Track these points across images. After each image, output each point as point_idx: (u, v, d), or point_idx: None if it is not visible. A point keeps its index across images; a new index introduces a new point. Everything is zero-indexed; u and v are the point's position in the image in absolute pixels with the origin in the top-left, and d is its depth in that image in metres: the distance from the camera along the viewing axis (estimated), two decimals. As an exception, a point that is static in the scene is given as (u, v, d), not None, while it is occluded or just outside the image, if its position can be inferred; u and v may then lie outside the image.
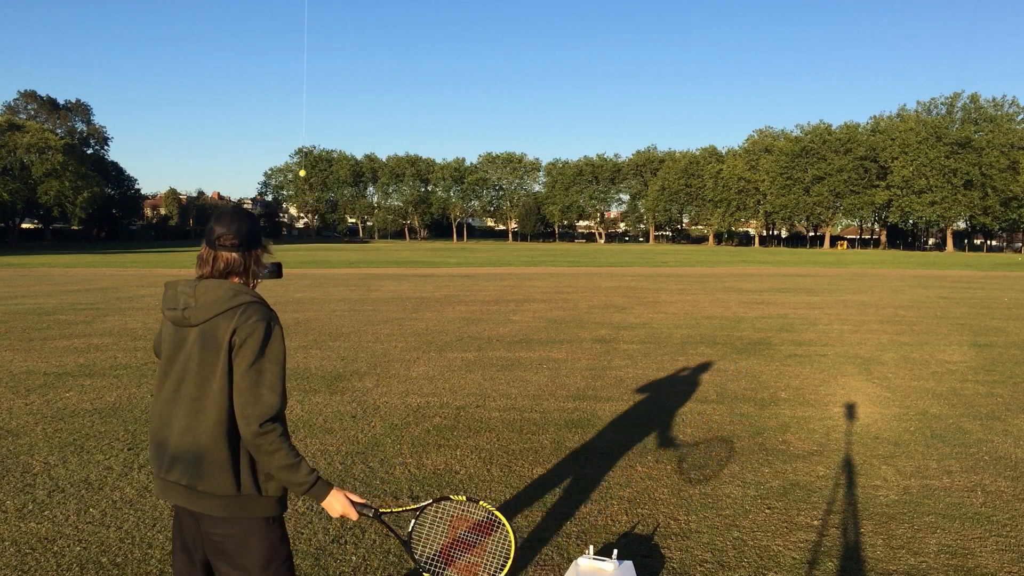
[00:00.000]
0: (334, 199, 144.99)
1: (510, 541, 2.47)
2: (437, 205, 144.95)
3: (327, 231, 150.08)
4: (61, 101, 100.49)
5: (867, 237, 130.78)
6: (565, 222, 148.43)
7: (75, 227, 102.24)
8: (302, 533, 4.60)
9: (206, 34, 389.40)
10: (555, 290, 23.38)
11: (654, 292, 22.99)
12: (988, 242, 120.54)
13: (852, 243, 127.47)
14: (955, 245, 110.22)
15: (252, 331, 2.40)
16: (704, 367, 10.27)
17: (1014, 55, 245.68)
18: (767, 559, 4.33)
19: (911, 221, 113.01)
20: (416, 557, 2.68)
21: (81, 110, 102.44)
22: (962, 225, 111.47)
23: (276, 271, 2.95)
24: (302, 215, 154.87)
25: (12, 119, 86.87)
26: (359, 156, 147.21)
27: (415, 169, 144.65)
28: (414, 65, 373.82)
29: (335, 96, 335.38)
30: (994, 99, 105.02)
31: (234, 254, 2.51)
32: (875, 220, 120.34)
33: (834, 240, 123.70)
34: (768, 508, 5.11)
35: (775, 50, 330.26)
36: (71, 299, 19.08)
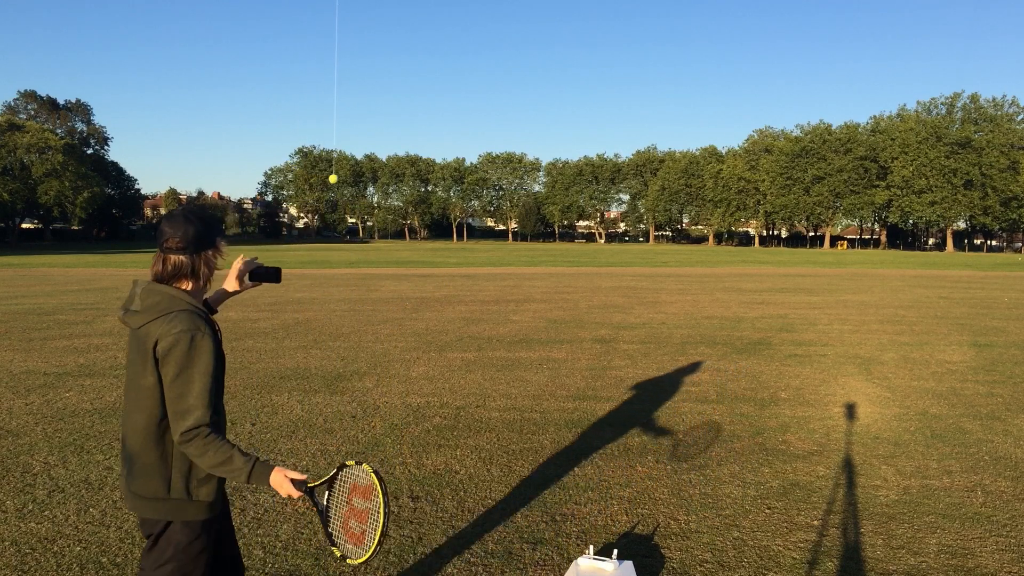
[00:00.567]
0: (334, 199, 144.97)
1: (380, 507, 2.51)
2: (437, 205, 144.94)
3: (327, 231, 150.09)
4: (61, 101, 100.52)
5: (867, 237, 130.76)
6: (565, 222, 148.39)
7: (75, 227, 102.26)
8: (302, 533, 4.60)
9: (206, 34, 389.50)
10: (555, 290, 23.38)
11: (654, 292, 22.99)
12: (988, 242, 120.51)
13: (852, 243, 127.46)
14: (955, 245, 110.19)
15: (176, 341, 2.41)
16: (704, 367, 10.27)
17: (1014, 55, 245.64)
18: (767, 559, 4.33)
19: (911, 221, 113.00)
20: (329, 531, 2.74)
21: (81, 110, 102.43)
22: (962, 225, 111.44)
23: (274, 276, 2.96)
24: (302, 215, 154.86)
25: (12, 119, 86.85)
26: (359, 156, 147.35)
27: (415, 169, 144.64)
28: (414, 65, 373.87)
29: (335, 96, 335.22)
30: (994, 99, 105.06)
31: (181, 257, 2.52)
32: (875, 220, 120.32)
33: (834, 240, 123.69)
34: (768, 508, 5.11)
35: (775, 50, 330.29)
36: (71, 299, 19.08)
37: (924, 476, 5.81)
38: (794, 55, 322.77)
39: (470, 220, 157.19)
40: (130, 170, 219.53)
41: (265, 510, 4.96)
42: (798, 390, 8.90)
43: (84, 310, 16.44)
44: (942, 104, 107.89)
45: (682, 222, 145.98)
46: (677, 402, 8.19)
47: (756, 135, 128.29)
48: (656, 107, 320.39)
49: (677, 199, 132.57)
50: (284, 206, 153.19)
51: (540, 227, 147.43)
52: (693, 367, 10.25)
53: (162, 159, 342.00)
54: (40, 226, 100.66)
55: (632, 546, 4.49)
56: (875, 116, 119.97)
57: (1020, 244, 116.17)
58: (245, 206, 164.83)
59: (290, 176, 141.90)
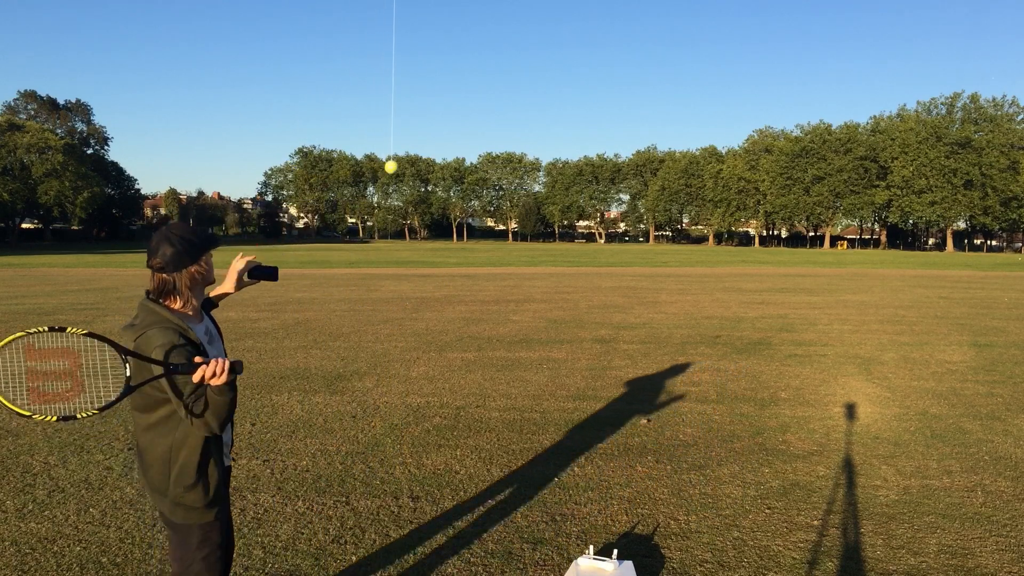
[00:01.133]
0: (334, 199, 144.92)
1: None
2: (437, 205, 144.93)
3: (327, 231, 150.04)
4: (61, 101, 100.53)
5: (867, 237, 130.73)
6: (565, 222, 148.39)
7: (75, 227, 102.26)
8: (302, 533, 4.60)
9: (206, 34, 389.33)
10: (555, 290, 23.38)
11: (654, 292, 22.99)
12: (988, 242, 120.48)
13: (852, 243, 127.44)
14: (955, 245, 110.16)
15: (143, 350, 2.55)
16: (704, 367, 10.26)
17: (1014, 55, 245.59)
18: (767, 559, 4.33)
19: (911, 221, 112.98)
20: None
21: (81, 110, 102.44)
22: (962, 225, 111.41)
23: (272, 274, 3.05)
24: (302, 215, 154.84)
25: (12, 119, 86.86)
26: (359, 156, 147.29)
27: (415, 169, 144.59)
28: (414, 65, 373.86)
29: (335, 96, 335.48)
30: (994, 99, 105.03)
31: (163, 275, 2.67)
32: (875, 220, 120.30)
33: (834, 240, 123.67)
34: (768, 508, 5.11)
35: (775, 50, 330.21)
36: (71, 299, 19.07)
37: (924, 476, 5.81)
38: (794, 55, 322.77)
39: (470, 220, 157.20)
40: (130, 170, 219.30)
41: (265, 510, 4.96)
42: (798, 390, 8.90)
43: (84, 310, 16.44)
44: (942, 104, 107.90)
45: (682, 222, 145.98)
46: (677, 402, 8.19)
47: (756, 135, 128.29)
48: (656, 107, 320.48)
49: (677, 199, 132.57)
50: (284, 206, 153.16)
51: (540, 227, 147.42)
52: (693, 367, 10.25)
53: (162, 159, 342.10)
54: (40, 226, 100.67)
55: (632, 546, 4.49)
56: (875, 116, 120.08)
57: (1020, 244, 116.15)
58: (245, 206, 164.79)
59: (290, 176, 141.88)
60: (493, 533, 4.65)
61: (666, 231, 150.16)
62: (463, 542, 4.51)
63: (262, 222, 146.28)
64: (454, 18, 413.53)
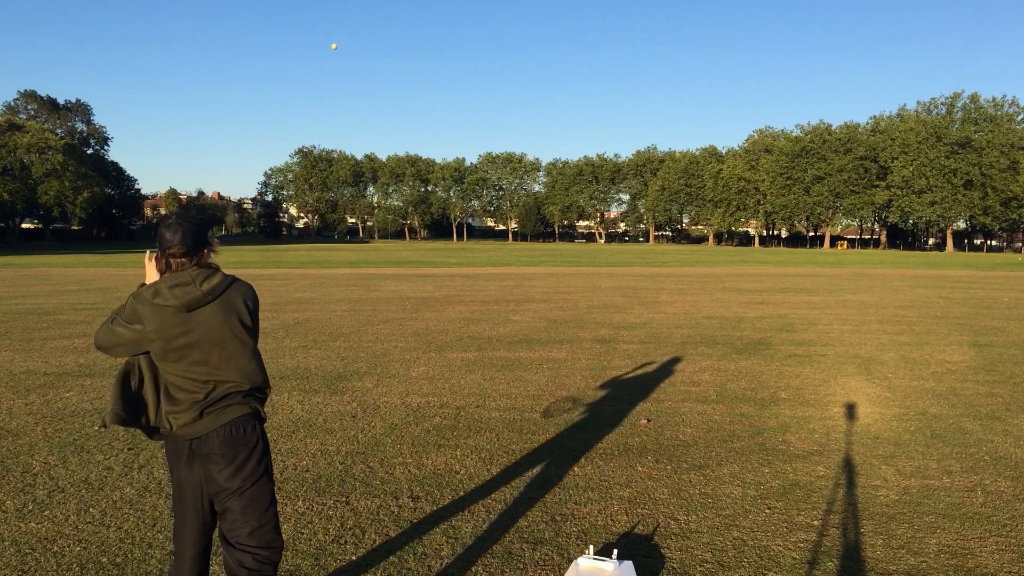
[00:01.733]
0: (334, 199, 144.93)
1: None
2: (437, 205, 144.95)
3: (327, 231, 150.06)
4: (61, 101, 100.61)
5: (867, 237, 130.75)
6: (565, 222, 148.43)
7: (75, 227, 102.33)
8: (302, 533, 4.60)
9: (206, 34, 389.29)
10: (555, 290, 23.38)
11: (654, 292, 22.99)
12: (988, 242, 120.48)
13: (852, 243, 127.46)
14: (955, 245, 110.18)
15: (255, 297, 3.12)
16: (704, 367, 10.26)
17: (1014, 55, 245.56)
18: (767, 559, 4.33)
19: (911, 221, 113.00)
20: None
21: (81, 110, 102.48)
22: (962, 225, 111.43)
23: None
24: (302, 215, 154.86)
25: (12, 119, 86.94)
26: (359, 156, 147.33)
27: (415, 169, 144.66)
28: (414, 65, 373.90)
29: (335, 96, 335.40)
30: (994, 99, 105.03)
31: (182, 260, 2.91)
32: (875, 220, 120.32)
33: (834, 240, 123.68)
34: (768, 508, 5.11)
35: (775, 50, 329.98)
36: (71, 299, 19.08)
37: (924, 476, 5.81)
38: (794, 55, 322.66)
39: (470, 220, 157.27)
40: (130, 170, 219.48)
41: (265, 510, 4.95)
42: (798, 390, 8.90)
43: (84, 310, 16.44)
44: (942, 104, 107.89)
45: (682, 222, 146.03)
46: (677, 402, 8.19)
47: (756, 135, 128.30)
48: (656, 107, 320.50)
49: (677, 199, 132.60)
50: (284, 206, 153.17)
51: (540, 227, 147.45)
52: (693, 367, 10.25)
53: (162, 159, 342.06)
54: (40, 226, 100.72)
55: (632, 546, 4.49)
56: (875, 116, 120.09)
57: (1020, 244, 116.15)
58: (245, 206, 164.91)
59: (290, 176, 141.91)
60: (493, 533, 4.65)
61: (666, 231, 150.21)
62: (463, 542, 4.51)
63: (262, 222, 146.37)
64: (455, 18, 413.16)
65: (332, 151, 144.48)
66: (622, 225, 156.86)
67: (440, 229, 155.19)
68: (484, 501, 5.19)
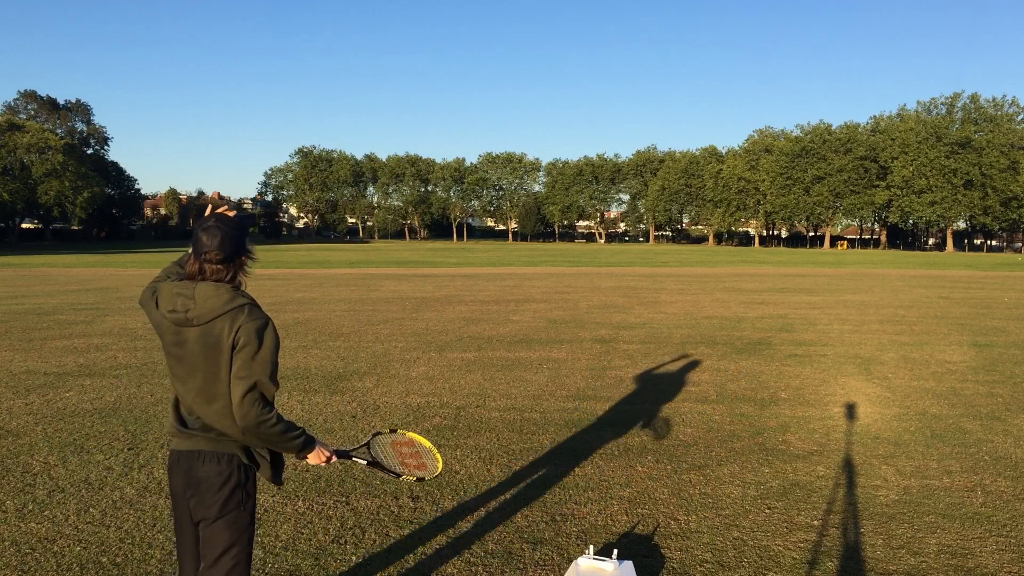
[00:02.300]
0: (334, 199, 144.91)
1: (431, 448, 3.31)
2: (437, 205, 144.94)
3: (327, 231, 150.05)
4: (61, 101, 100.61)
5: (867, 237, 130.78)
6: (565, 222, 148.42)
7: (75, 227, 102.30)
8: (302, 533, 4.60)
9: (206, 33, 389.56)
10: (555, 290, 23.38)
11: (654, 292, 22.99)
12: (988, 242, 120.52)
13: (852, 243, 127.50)
14: (955, 245, 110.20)
15: (252, 331, 2.62)
16: (704, 367, 10.27)
17: (1014, 55, 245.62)
18: (767, 559, 4.33)
19: (911, 221, 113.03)
20: (391, 469, 3.23)
21: (81, 110, 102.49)
22: (962, 225, 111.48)
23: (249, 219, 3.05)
24: (302, 215, 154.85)
25: (12, 119, 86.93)
26: (359, 156, 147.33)
27: (415, 169, 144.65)
28: (414, 65, 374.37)
29: (335, 96, 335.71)
30: (994, 99, 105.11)
31: (218, 267, 2.67)
32: (875, 220, 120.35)
33: (834, 240, 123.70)
34: (768, 508, 5.11)
35: (775, 50, 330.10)
36: (71, 299, 19.08)
37: (924, 476, 5.81)
38: (794, 55, 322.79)
39: (470, 220, 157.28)
40: (130, 170, 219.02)
41: (265, 510, 4.96)
42: (798, 390, 8.90)
43: (84, 310, 16.44)
44: (942, 104, 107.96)
45: (682, 222, 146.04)
46: (677, 402, 8.19)
47: (756, 135, 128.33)
48: (656, 107, 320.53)
49: (677, 199, 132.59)
50: (284, 206, 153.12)
51: (540, 227, 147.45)
52: (693, 367, 10.26)
53: (162, 159, 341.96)
54: (40, 226, 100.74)
55: (632, 546, 4.49)
56: (875, 116, 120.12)
57: (1020, 244, 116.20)
58: (245, 206, 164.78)
59: (290, 176, 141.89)
60: (493, 533, 4.65)
61: (666, 231, 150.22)
62: (463, 542, 4.51)
63: (262, 222, 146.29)
64: (455, 17, 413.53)
65: (332, 151, 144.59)
66: (622, 225, 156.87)
67: (440, 229, 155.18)
68: (484, 501, 5.19)
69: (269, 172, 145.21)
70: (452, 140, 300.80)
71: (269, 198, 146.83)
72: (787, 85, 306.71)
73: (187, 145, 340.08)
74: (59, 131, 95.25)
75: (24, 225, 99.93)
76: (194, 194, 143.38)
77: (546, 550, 4.41)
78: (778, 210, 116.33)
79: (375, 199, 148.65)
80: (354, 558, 4.27)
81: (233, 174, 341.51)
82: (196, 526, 2.85)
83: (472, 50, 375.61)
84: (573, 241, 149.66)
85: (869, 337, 13.32)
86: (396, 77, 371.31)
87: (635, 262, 48.62)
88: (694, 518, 4.93)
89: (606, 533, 4.68)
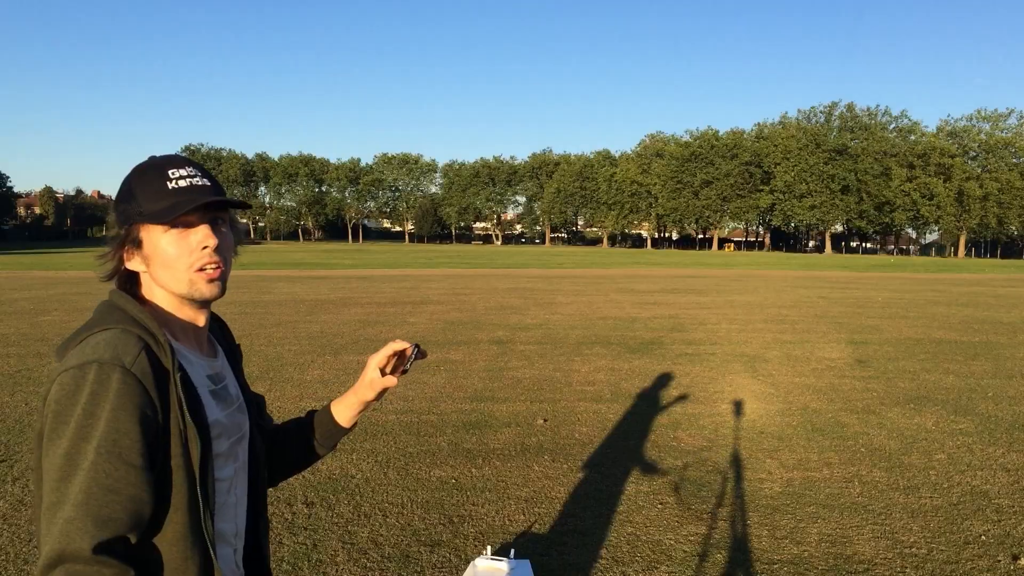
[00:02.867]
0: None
1: None
2: (332, 206, 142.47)
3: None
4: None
5: (752, 239, 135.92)
6: (462, 223, 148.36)
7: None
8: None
9: (80, 31, 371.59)
10: (452, 292, 23.34)
11: (550, 293, 23.24)
12: (863, 244, 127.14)
13: (739, 245, 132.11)
14: (833, 247, 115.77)
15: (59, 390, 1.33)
16: (599, 367, 10.44)
17: (890, 64, 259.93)
18: (659, 553, 4.44)
19: (793, 224, 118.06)
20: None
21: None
22: (840, 228, 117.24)
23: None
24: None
25: None
26: (250, 155, 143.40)
27: (309, 169, 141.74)
28: (306, 62, 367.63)
29: (224, 93, 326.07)
30: (868, 108, 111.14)
31: None
32: (760, 223, 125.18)
33: (722, 242, 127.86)
34: (660, 504, 5.24)
35: (667, 54, 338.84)
36: (-65, 303, 17.87)
37: (805, 468, 6.08)
38: (686, 59, 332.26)
39: (366, 221, 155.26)
40: (1, 167, 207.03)
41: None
42: (688, 388, 9.16)
43: (-50, 315, 15.41)
44: (821, 112, 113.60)
45: (577, 224, 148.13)
46: (573, 401, 8.30)
47: (648, 139, 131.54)
48: (551, 110, 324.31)
49: (572, 201, 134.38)
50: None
51: (437, 228, 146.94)
52: (588, 367, 10.41)
53: (37, 156, 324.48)
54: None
55: (530, 545, 4.52)
56: (759, 123, 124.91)
57: (893, 246, 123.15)
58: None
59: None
60: (390, 537, 4.60)
61: (562, 233, 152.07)
62: (359, 547, 4.45)
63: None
64: (349, 15, 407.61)
65: (221, 149, 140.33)
66: (519, 227, 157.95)
67: (335, 230, 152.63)
68: (381, 505, 5.13)
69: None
70: (347, 140, 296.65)
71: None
72: (678, 90, 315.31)
73: (65, 142, 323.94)
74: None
75: None
76: (72, 193, 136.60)
77: (444, 552, 4.40)
78: (669, 213, 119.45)
79: (267, 199, 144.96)
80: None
81: (116, 172, 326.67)
82: None
83: (365, 49, 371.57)
84: (470, 243, 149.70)
85: (755, 336, 13.82)
86: (288, 75, 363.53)
87: (531, 263, 49.04)
88: (590, 515, 5.00)
89: (504, 533, 4.70)
